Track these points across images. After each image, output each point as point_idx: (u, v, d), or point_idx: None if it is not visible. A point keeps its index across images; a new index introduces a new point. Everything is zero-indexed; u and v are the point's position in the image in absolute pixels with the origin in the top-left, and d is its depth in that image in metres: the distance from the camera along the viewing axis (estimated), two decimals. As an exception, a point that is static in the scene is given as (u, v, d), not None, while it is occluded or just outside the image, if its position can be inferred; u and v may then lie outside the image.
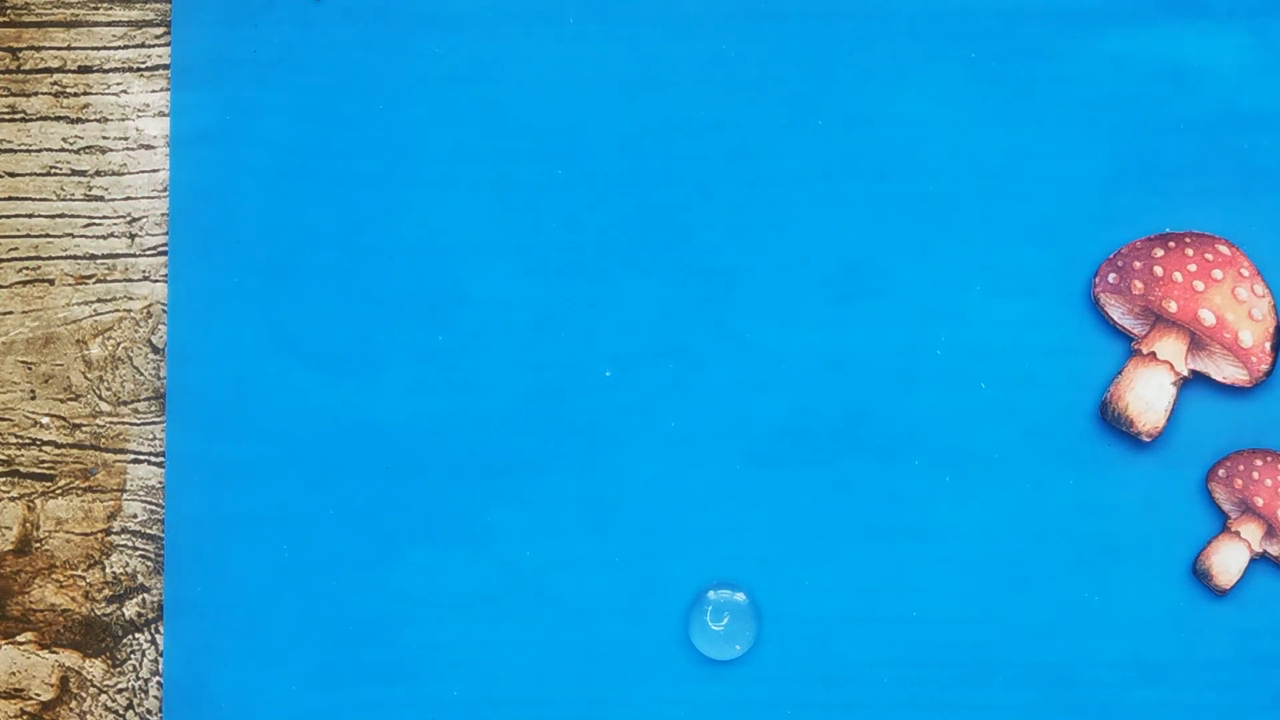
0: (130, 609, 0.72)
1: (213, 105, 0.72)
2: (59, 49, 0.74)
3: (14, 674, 0.72)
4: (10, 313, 0.73)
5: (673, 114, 0.72)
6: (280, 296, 0.72)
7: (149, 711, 0.72)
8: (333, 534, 0.71)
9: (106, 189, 0.73)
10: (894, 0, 0.72)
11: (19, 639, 0.72)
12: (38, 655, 0.72)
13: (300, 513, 0.71)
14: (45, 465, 0.73)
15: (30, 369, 0.73)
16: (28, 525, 0.72)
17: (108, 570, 0.72)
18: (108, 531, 0.72)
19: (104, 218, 0.73)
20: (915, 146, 0.71)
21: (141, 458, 0.72)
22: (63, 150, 0.73)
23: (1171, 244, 0.69)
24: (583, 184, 0.72)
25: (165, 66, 0.73)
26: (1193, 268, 0.69)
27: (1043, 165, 0.71)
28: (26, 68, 0.74)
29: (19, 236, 0.73)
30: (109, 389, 0.73)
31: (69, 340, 0.73)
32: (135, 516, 0.72)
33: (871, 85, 0.72)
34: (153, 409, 0.72)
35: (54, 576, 0.72)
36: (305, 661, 0.71)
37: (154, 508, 0.72)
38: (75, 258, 0.73)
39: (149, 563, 0.72)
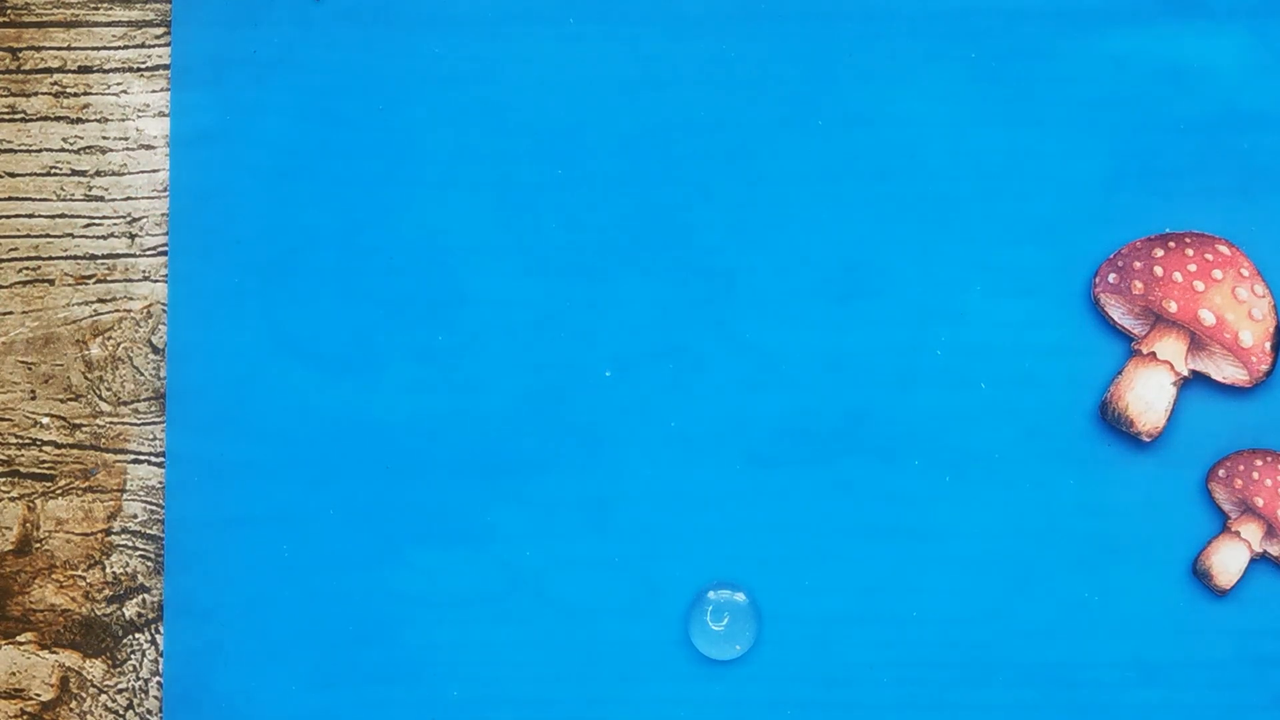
0: (130, 609, 0.72)
1: (213, 105, 0.72)
2: (59, 49, 0.74)
3: (14, 674, 0.72)
4: (10, 313, 0.73)
5: (673, 114, 0.72)
6: (280, 296, 0.72)
7: (149, 711, 0.72)
8: (333, 534, 0.71)
9: (106, 189, 0.73)
10: (894, 0, 0.72)
11: (19, 639, 0.72)
12: (38, 655, 0.72)
13: (300, 513, 0.71)
14: (45, 465, 0.73)
15: (30, 369, 0.73)
16: (28, 525, 0.72)
17: (108, 570, 0.72)
18: (108, 531, 0.72)
19: (104, 218, 0.73)
20: (915, 146, 0.71)
21: (141, 458, 0.72)
22: (63, 150, 0.73)
23: (1171, 244, 0.69)
24: (583, 184, 0.72)
25: (165, 66, 0.73)
26: (1193, 268, 0.69)
27: (1043, 165, 0.71)
28: (26, 68, 0.74)
29: (19, 236, 0.73)
30: (109, 389, 0.73)
31: (69, 340, 0.73)
32: (135, 516, 0.72)
33: (871, 85, 0.72)
34: (153, 409, 0.72)
35: (54, 576, 0.72)
36: (305, 661, 0.71)
37: (154, 508, 0.72)
38: (75, 258, 0.73)
39: (149, 563, 0.72)
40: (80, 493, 0.72)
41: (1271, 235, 0.71)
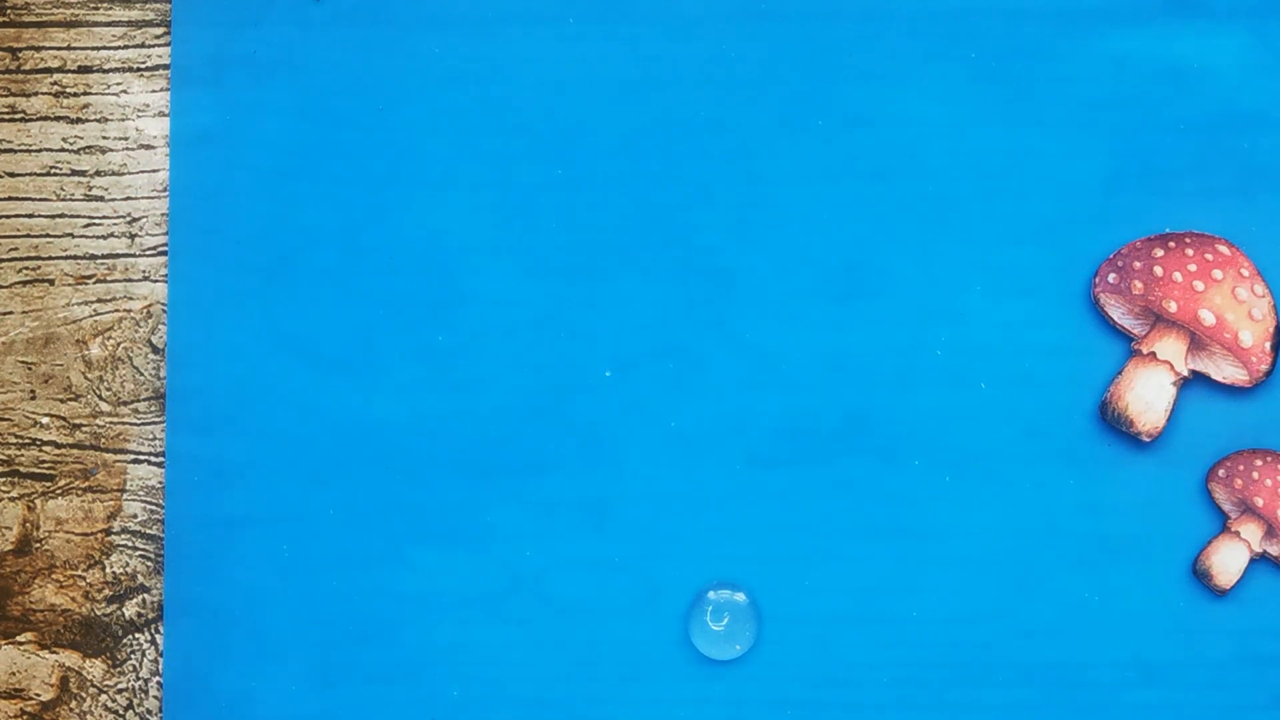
0: (130, 609, 0.72)
1: (213, 105, 0.72)
2: (59, 49, 0.74)
3: (14, 674, 0.72)
4: (10, 313, 0.73)
5: (673, 114, 0.72)
6: (280, 296, 0.72)
7: (149, 711, 0.72)
8: (333, 534, 0.71)
9: (106, 189, 0.73)
10: (894, 0, 0.72)
11: (19, 639, 0.72)
12: (38, 655, 0.72)
13: (300, 513, 0.71)
14: (45, 465, 0.73)
15: (30, 369, 0.73)
16: (28, 525, 0.72)
17: (108, 570, 0.72)
18: (108, 531, 0.72)
19: (104, 218, 0.73)
20: (915, 146, 0.71)
21: (141, 458, 0.72)
22: (63, 150, 0.73)
23: (1171, 244, 0.69)
24: (583, 184, 0.72)
25: (165, 66, 0.73)
26: (1193, 268, 0.69)
27: (1043, 165, 0.71)
28: (26, 68, 0.74)
29: (19, 236, 0.73)
30: (109, 389, 0.73)
31: (69, 340, 0.73)
32: (135, 516, 0.72)
33: (871, 85, 0.72)
34: (153, 409, 0.72)
35: (54, 576, 0.72)
36: (305, 661, 0.71)
37: (154, 508, 0.72)
38: (75, 258, 0.73)
39: (149, 563, 0.72)
40: (80, 493, 0.72)
41: (1271, 235, 0.71)
